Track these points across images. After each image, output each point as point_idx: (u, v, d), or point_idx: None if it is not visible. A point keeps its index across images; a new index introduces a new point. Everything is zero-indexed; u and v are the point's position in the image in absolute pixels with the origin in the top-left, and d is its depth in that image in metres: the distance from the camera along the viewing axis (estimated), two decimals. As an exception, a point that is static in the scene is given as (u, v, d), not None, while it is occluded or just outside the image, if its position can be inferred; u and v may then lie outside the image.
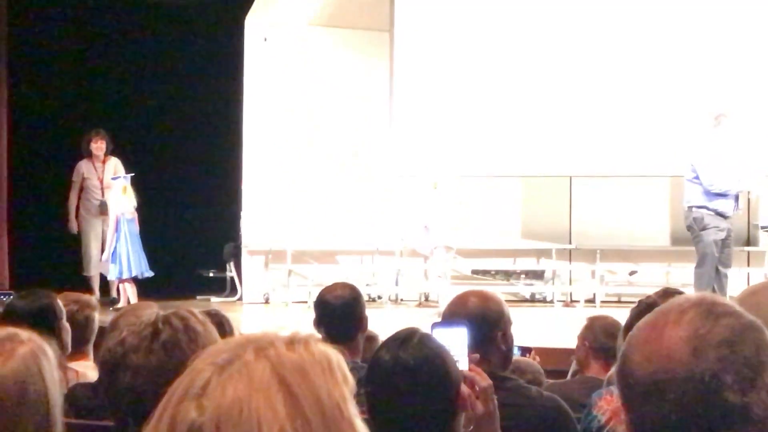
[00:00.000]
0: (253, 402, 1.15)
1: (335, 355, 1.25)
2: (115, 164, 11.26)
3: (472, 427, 2.50)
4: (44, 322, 3.95)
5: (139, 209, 11.13)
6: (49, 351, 1.91)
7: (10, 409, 1.78)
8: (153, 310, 4.63)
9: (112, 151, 11.31)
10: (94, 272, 11.10)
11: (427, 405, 2.47)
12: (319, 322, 4.35)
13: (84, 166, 11.28)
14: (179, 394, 1.18)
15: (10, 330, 1.97)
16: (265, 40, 12.32)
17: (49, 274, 10.76)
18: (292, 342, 1.23)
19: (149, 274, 10.80)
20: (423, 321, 2.91)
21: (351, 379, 1.25)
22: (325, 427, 1.17)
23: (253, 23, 12.41)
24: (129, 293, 10.59)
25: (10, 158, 12.16)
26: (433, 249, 11.27)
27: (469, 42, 11.92)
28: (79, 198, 11.30)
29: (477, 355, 2.62)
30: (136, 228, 10.89)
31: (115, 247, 10.73)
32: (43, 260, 11.94)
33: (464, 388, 2.50)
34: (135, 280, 10.75)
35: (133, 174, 11.08)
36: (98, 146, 11.19)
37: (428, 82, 12.01)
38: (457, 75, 11.93)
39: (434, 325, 2.85)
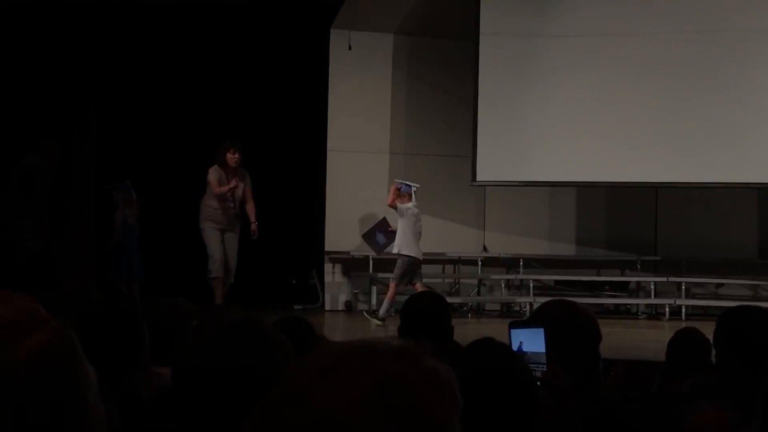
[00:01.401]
0: (353, 414, 1.10)
1: (445, 372, 1.18)
2: (245, 176, 11.26)
3: None
4: (122, 324, 3.99)
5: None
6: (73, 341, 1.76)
7: (15, 399, 1.59)
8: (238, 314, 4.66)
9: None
10: (217, 274, 11.12)
11: (505, 414, 2.44)
12: (405, 331, 4.32)
13: (216, 174, 11.17)
14: (279, 397, 1.14)
15: (31, 311, 1.89)
16: (350, 48, 12.36)
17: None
18: (400, 354, 1.17)
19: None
20: (504, 331, 2.89)
21: (459, 399, 1.19)
22: None
23: (338, 31, 12.46)
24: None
25: (98, 165, 12.36)
26: (397, 254, 10.96)
27: (554, 50, 11.82)
28: (203, 204, 11.24)
29: (554, 354, 2.57)
30: (133, 232, 11.13)
31: (119, 248, 11.00)
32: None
33: (541, 392, 2.46)
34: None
35: (128, 181, 11.21)
36: (235, 158, 11.12)
37: (513, 89, 11.92)
38: (542, 82, 11.83)
39: (512, 325, 2.83)
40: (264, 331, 2.43)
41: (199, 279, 11.06)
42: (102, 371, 2.64)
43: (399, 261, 10.80)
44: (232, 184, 11.07)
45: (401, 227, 10.88)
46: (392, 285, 10.77)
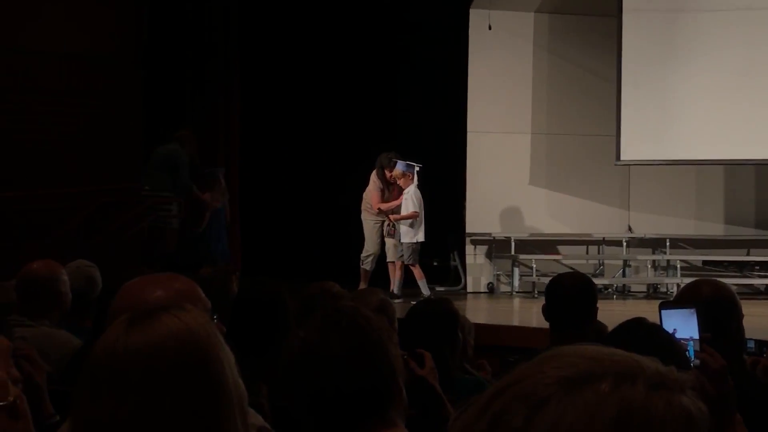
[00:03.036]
0: None
1: (700, 416, 1.01)
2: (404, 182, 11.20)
3: None
4: (271, 310, 4.03)
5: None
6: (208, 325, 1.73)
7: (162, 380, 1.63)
8: (379, 296, 4.66)
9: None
10: (367, 268, 11.16)
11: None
12: (549, 310, 4.30)
13: (378, 186, 11.09)
14: (512, 393, 1.02)
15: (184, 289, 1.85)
16: (490, 28, 12.26)
17: (275, 263, 11.12)
18: (660, 385, 1.02)
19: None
20: (651, 313, 2.84)
21: None
22: None
23: (478, 12, 12.37)
24: None
25: (241, 153, 12.56)
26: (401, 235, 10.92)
27: (698, 25, 11.51)
28: (365, 197, 11.25)
29: (709, 335, 2.49)
30: (222, 217, 11.35)
31: (212, 234, 11.19)
32: (270, 249, 12.28)
33: (697, 375, 2.38)
34: None
35: (223, 169, 11.44)
36: (391, 176, 11.02)
37: (657, 66, 11.66)
38: (687, 58, 11.54)
39: (663, 306, 2.76)
40: (362, 311, 2.38)
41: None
42: (249, 352, 2.66)
43: (408, 245, 10.82)
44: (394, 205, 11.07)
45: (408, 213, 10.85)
46: (416, 268, 10.93)
